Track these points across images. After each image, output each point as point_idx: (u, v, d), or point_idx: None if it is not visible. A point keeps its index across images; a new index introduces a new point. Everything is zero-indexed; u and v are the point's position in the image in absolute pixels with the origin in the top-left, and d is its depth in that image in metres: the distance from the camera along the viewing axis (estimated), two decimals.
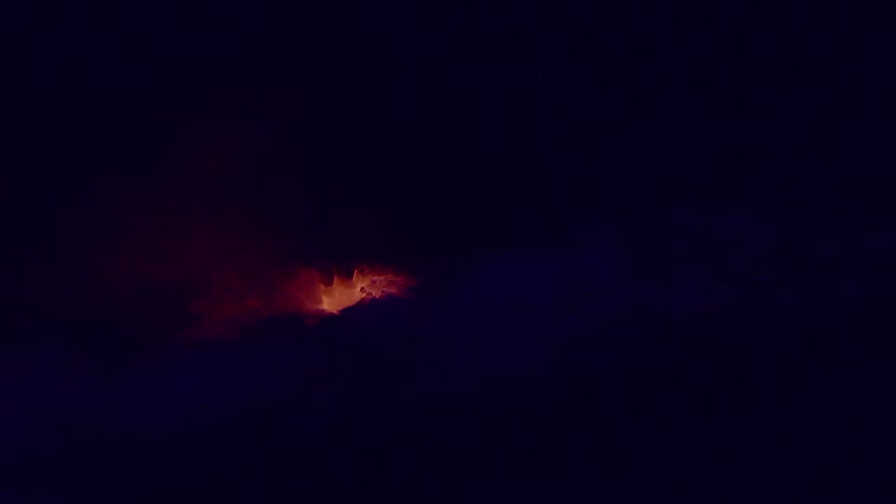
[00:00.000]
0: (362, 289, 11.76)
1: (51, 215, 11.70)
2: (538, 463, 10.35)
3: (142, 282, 11.55)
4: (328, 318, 11.59)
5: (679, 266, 11.47)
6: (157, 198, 11.82)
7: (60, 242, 11.64)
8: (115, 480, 10.19)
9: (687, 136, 12.02)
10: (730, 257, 11.49)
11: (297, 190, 11.99)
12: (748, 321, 11.14)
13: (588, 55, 12.15)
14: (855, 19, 12.10)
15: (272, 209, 11.90)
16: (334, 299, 11.77)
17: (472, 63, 12.14)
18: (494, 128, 12.05)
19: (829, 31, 12.09)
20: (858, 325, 11.00)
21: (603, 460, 10.30)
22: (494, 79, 12.13)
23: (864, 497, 10.00)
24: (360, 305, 11.66)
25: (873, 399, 10.58)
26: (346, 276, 11.82)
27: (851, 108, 11.99)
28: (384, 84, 12.09)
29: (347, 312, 11.64)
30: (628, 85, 12.12)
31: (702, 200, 11.73)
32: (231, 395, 10.80)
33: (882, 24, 12.06)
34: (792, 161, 11.85)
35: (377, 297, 11.70)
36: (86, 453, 10.31)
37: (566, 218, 11.71)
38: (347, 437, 10.55)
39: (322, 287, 11.80)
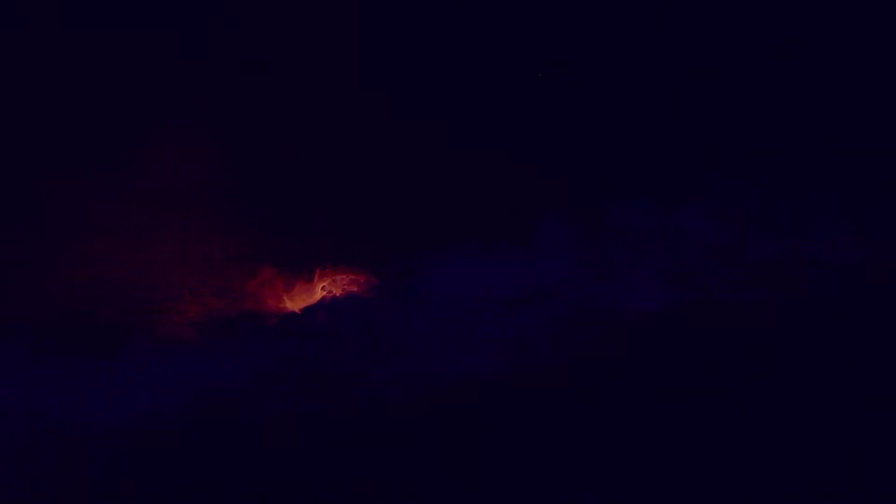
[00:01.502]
0: (323, 287, 11.79)
1: (10, 213, 11.71)
2: (494, 459, 10.35)
3: (103, 280, 11.56)
4: (289, 317, 11.61)
5: (633, 264, 11.52)
6: (118, 197, 11.85)
7: (17, 240, 11.65)
8: (70, 477, 10.16)
9: (642, 135, 12.07)
10: (684, 256, 11.53)
11: (258, 190, 12.02)
12: (701, 319, 11.18)
13: (543, 54, 12.20)
14: (807, 23, 12.15)
15: (233, 209, 11.94)
16: (295, 298, 11.78)
17: (430, 62, 12.18)
18: (451, 127, 12.09)
19: (779, 34, 12.15)
20: (808, 323, 11.06)
21: (558, 456, 10.31)
22: (452, 78, 12.17)
23: (810, 493, 10.05)
24: (321, 304, 11.68)
25: (822, 397, 10.64)
26: (308, 275, 11.84)
27: (802, 109, 12.04)
28: (343, 83, 12.11)
29: (308, 311, 11.66)
30: (583, 84, 12.16)
31: (656, 200, 11.77)
32: (191, 393, 10.80)
33: (832, 29, 12.11)
34: (744, 162, 11.91)
35: (338, 295, 11.73)
36: (42, 450, 10.29)
37: (523, 216, 11.74)
38: (308, 434, 10.53)
39: (283, 286, 11.81)
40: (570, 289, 11.47)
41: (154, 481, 10.10)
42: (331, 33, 12.17)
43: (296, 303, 11.75)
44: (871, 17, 12.18)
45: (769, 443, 10.33)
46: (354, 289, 11.71)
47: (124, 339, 11.16)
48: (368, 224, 11.99)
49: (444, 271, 11.63)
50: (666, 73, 12.18)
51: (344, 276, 11.77)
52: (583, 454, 10.33)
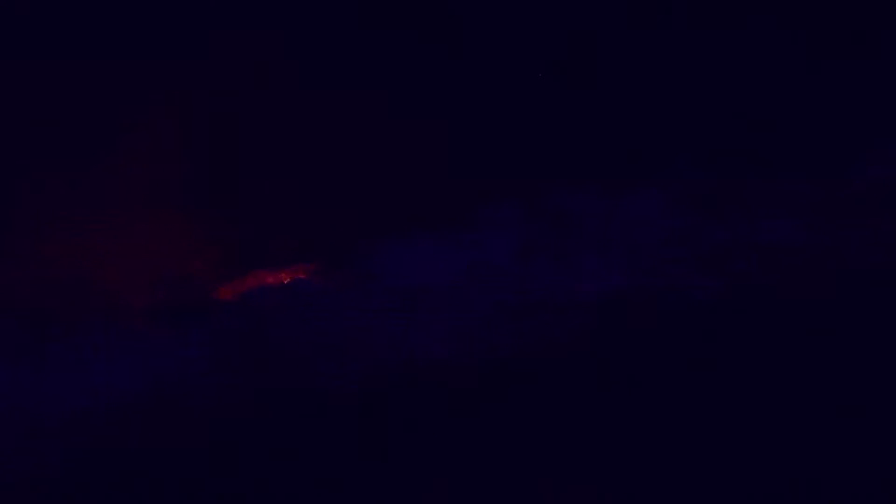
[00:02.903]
0: (268, 275, 11.75)
1: None
2: (442, 445, 10.38)
3: (45, 266, 11.49)
4: (233, 304, 11.57)
5: (582, 250, 11.51)
6: (63, 183, 11.77)
7: None
8: (23, 463, 10.11)
9: (591, 119, 12.04)
10: (633, 242, 11.54)
11: (203, 177, 11.96)
12: (652, 303, 11.21)
13: (490, 35, 12.15)
14: (763, 16, 12.18)
15: (177, 197, 11.87)
16: (239, 285, 11.74)
17: (371, 45, 12.13)
18: (395, 110, 12.04)
19: (737, 24, 12.16)
20: (760, 309, 11.10)
21: (508, 443, 10.34)
22: (393, 61, 12.11)
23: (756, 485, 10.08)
24: (266, 291, 11.64)
25: (774, 384, 10.69)
26: (253, 262, 11.80)
27: (755, 96, 12.07)
28: (282, 69, 12.07)
29: (252, 298, 11.62)
30: (533, 67, 12.12)
31: (605, 185, 11.75)
32: (133, 381, 10.74)
33: (789, 21, 12.14)
34: (696, 147, 11.91)
35: (283, 282, 11.70)
36: None
37: (469, 201, 11.71)
38: (252, 422, 10.53)
39: (227, 273, 11.78)
40: (518, 273, 11.46)
41: (108, 466, 10.09)
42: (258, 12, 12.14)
43: (239, 290, 11.72)
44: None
45: (723, 428, 10.39)
46: (299, 276, 11.69)
47: (63, 327, 11.06)
48: (313, 210, 11.95)
49: (391, 256, 11.60)
50: (614, 53, 12.16)
51: (288, 264, 11.75)
52: (539, 439, 10.38)
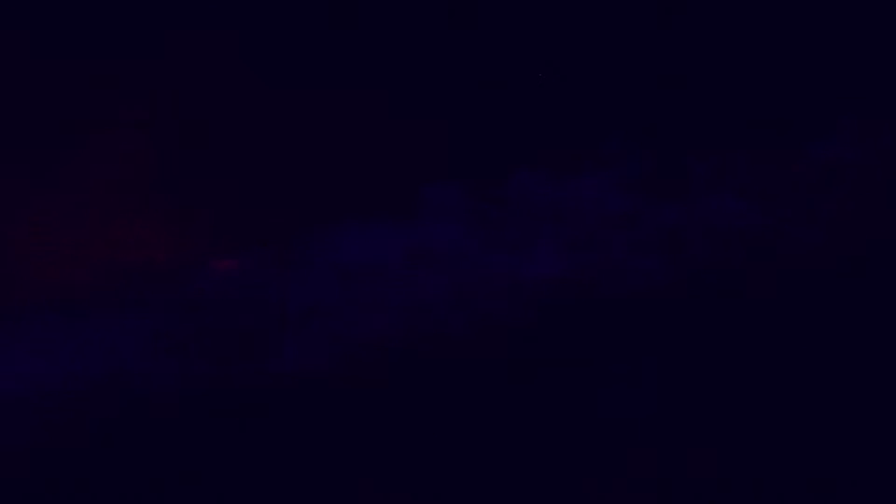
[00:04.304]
0: (212, 260, 11.77)
1: None
2: (395, 429, 10.39)
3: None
4: (181, 288, 11.59)
5: (525, 233, 11.50)
6: (6, 171, 11.82)
7: None
8: None
9: (538, 102, 12.02)
10: (577, 225, 11.51)
11: (152, 165, 11.98)
12: (594, 288, 11.19)
13: (438, 18, 12.12)
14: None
15: (125, 185, 11.90)
16: (187, 269, 11.76)
17: (315, 31, 12.13)
18: (337, 93, 12.04)
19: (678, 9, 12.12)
20: (707, 291, 11.08)
21: (457, 427, 10.35)
22: (338, 44, 12.11)
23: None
24: (209, 275, 11.66)
25: (723, 364, 10.69)
26: (201, 246, 11.82)
27: (697, 77, 12.02)
28: (235, 59, 12.09)
29: (201, 281, 11.64)
30: (479, 50, 12.09)
31: (550, 168, 11.74)
32: (81, 363, 10.75)
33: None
34: (641, 128, 11.88)
35: (232, 267, 11.71)
36: None
37: (412, 186, 11.71)
38: (203, 406, 10.55)
39: (176, 257, 11.79)
40: (460, 256, 11.46)
41: (37, 453, 10.09)
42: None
43: (186, 274, 11.74)
44: None
45: (676, 410, 10.38)
46: (247, 261, 11.71)
47: (9, 308, 11.11)
48: (259, 195, 11.98)
49: (336, 241, 11.60)
50: (561, 42, 12.14)
51: (237, 249, 11.77)
52: (486, 424, 10.39)
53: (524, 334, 10.91)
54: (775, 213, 11.29)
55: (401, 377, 10.65)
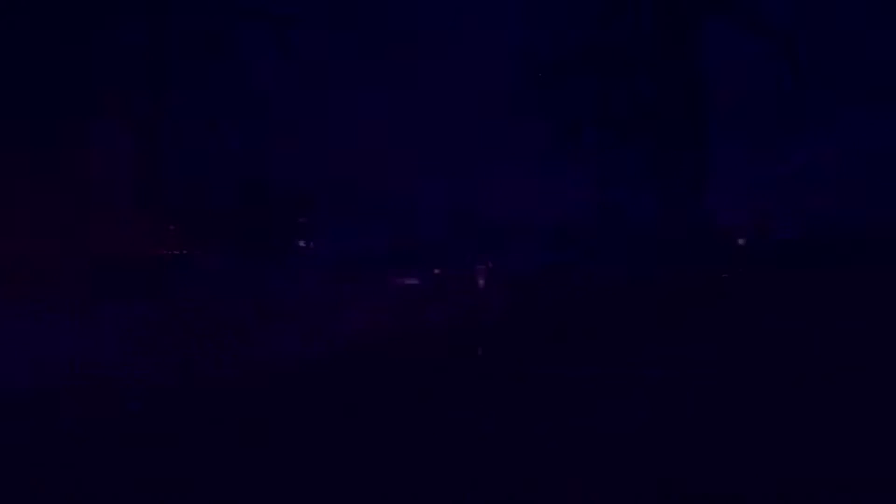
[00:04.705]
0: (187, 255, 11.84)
1: None
2: (375, 422, 10.36)
3: None
4: (153, 280, 11.63)
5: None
6: None
7: None
8: None
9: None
10: (553, 216, 11.65)
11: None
12: (570, 278, 11.29)
13: (409, 19, 12.25)
14: None
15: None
16: (154, 265, 11.80)
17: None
18: None
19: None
20: (680, 281, 11.17)
21: (437, 416, 10.33)
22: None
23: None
24: (189, 271, 11.72)
25: (687, 353, 10.75)
26: (172, 243, 11.87)
27: (670, 75, 12.19)
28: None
29: (176, 276, 11.69)
30: (446, 48, 12.23)
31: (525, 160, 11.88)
32: (52, 353, 10.72)
33: None
34: (613, 125, 12.03)
35: (209, 264, 11.76)
36: None
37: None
38: (170, 405, 10.50)
39: (143, 251, 11.83)
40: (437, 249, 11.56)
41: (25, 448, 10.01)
42: None
43: (156, 269, 11.76)
44: None
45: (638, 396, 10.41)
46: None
47: None
48: None
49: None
50: (537, 39, 12.27)
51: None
52: (468, 411, 10.37)
53: (497, 324, 10.91)
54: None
55: (369, 370, 10.63)
